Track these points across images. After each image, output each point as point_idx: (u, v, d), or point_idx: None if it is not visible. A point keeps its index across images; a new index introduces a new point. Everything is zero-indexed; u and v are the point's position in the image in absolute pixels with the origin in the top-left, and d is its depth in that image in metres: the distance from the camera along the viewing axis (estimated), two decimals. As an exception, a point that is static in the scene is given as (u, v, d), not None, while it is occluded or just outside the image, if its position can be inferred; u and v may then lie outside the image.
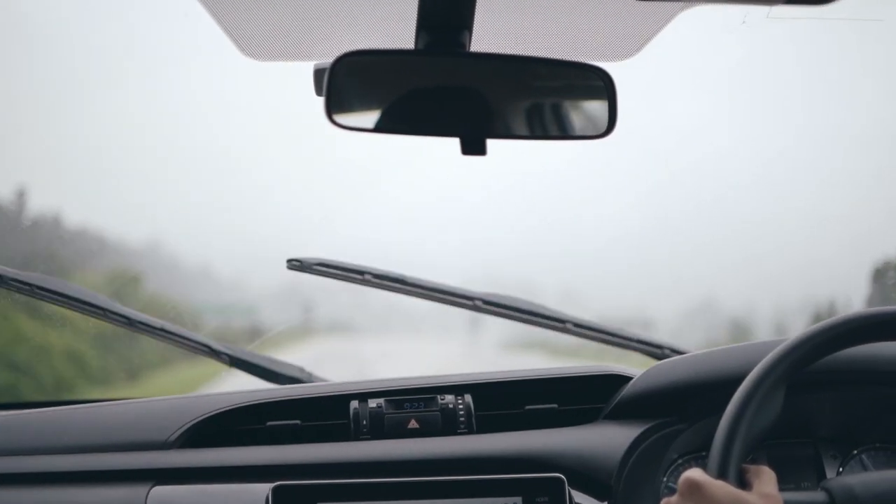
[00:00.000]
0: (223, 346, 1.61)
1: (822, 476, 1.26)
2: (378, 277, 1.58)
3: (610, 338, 1.58)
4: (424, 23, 1.07)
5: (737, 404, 1.09)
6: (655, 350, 1.60)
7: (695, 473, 1.03)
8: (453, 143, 1.19)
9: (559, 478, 1.21)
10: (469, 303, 1.58)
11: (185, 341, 1.57)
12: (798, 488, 1.24)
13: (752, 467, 1.08)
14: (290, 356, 1.75)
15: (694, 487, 1.02)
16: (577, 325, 1.58)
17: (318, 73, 1.13)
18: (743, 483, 1.06)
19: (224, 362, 1.62)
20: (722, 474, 1.05)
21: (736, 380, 1.11)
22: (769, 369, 1.11)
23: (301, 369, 1.66)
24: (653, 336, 1.64)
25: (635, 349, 1.61)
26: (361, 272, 1.57)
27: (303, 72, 1.23)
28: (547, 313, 1.59)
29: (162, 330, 1.56)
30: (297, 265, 1.62)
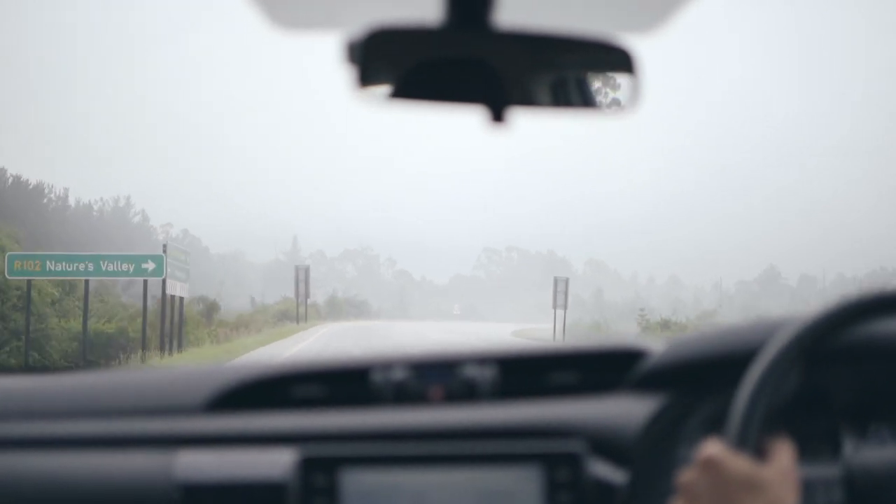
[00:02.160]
0: None
1: (840, 450, 1.32)
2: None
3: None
4: None
5: (757, 376, 1.13)
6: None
7: (712, 448, 1.09)
8: (477, 119, 1.26)
9: (579, 446, 1.27)
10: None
11: None
12: (815, 462, 1.29)
13: (770, 440, 1.13)
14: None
15: (711, 462, 1.08)
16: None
17: (349, 45, 1.21)
18: (760, 455, 1.11)
19: None
20: (740, 446, 1.10)
21: (757, 354, 1.16)
22: (790, 342, 1.15)
23: None
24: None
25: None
26: None
27: (324, 42, 1.33)
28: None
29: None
30: None
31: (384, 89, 1.25)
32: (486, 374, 1.41)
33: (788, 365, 1.13)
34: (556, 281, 36.33)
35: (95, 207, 68.21)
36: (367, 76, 1.22)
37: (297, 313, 41.19)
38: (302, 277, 43.42)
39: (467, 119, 1.23)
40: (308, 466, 1.28)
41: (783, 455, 1.10)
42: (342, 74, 1.21)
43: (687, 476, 1.09)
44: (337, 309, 59.55)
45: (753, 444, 1.10)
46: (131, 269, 21.16)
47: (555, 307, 35.52)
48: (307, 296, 42.41)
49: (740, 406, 1.12)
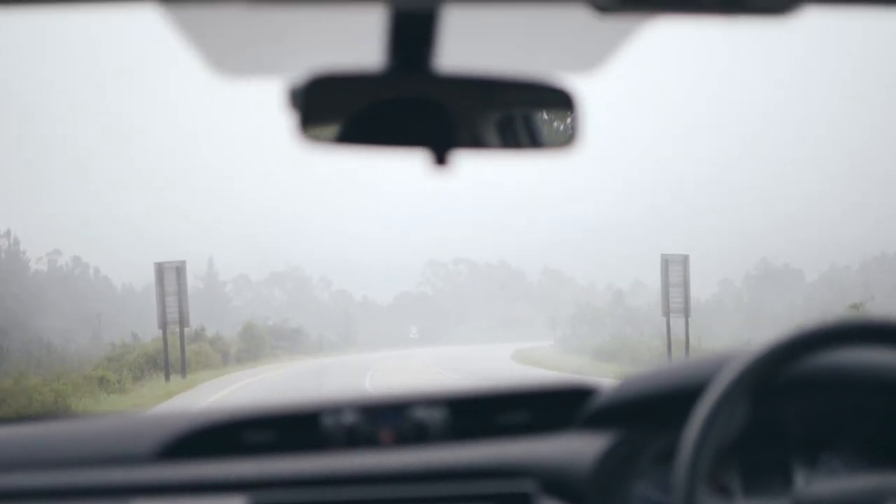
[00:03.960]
0: None
1: (792, 481, 1.36)
2: None
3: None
4: (392, 42, 1.20)
5: (705, 411, 1.17)
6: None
7: None
8: (420, 160, 1.30)
9: (530, 485, 1.31)
10: None
11: None
12: (767, 494, 1.33)
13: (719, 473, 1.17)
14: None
15: None
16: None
17: (292, 91, 1.25)
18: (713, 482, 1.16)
19: None
20: (691, 480, 1.14)
21: (705, 389, 1.21)
22: (737, 377, 1.18)
23: None
24: None
25: None
26: None
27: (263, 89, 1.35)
28: None
29: None
30: None
31: (327, 133, 1.27)
32: (436, 416, 1.43)
33: (736, 399, 1.17)
34: (665, 263, 16.27)
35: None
36: (310, 121, 1.24)
37: (165, 358, 20.58)
38: (171, 287, 21.88)
39: (410, 163, 1.26)
40: None
41: None
42: (284, 120, 1.24)
43: None
44: (257, 344, 38.00)
45: (704, 478, 1.13)
46: None
47: (667, 311, 15.68)
48: (184, 320, 21.67)
49: (689, 439, 1.15)
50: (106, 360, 26.05)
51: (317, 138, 1.25)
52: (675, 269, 20.23)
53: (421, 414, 1.43)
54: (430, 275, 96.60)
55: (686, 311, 19.95)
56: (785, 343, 1.19)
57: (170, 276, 22.21)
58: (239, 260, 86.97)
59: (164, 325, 21.97)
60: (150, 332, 32.60)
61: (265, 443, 1.42)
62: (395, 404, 1.44)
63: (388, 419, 1.43)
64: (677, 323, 20.22)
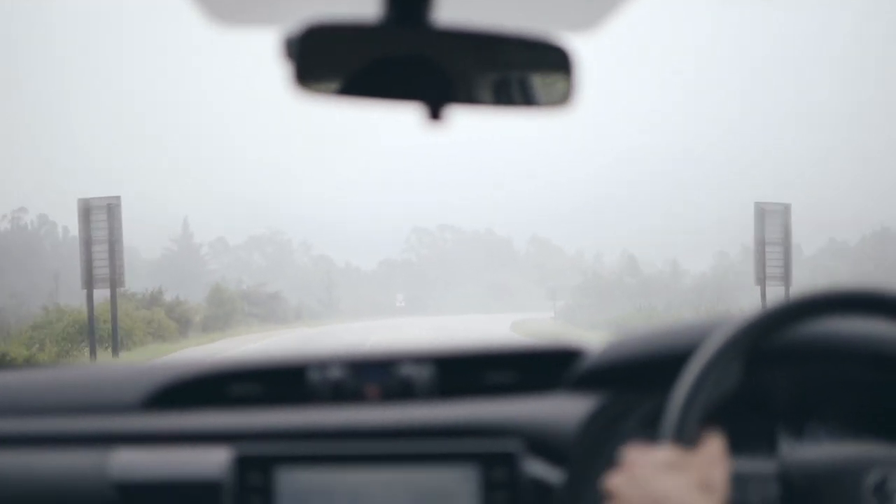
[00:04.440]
0: None
1: (776, 449, 1.37)
2: None
3: None
4: None
5: (695, 372, 1.18)
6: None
7: (634, 450, 1.14)
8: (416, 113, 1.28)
9: (516, 445, 1.31)
10: None
11: None
12: (751, 460, 1.32)
13: (702, 433, 1.17)
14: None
15: (633, 462, 1.12)
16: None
17: (287, 41, 1.25)
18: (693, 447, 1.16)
19: None
20: (675, 440, 1.15)
21: (695, 353, 1.22)
22: (729, 339, 1.19)
23: None
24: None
25: None
26: None
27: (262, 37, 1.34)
28: None
29: None
30: None
31: (322, 85, 1.27)
32: (423, 373, 1.43)
33: (727, 362, 1.17)
34: (760, 214, 10.29)
35: None
36: (305, 72, 1.24)
37: (91, 329, 14.52)
38: (101, 233, 16.60)
39: (404, 115, 1.26)
40: (243, 465, 1.29)
41: (712, 443, 1.15)
42: (279, 70, 1.23)
43: (613, 481, 1.14)
44: (227, 310, 32.25)
45: (689, 439, 1.14)
46: None
47: (762, 280, 9.47)
48: (116, 279, 15.59)
49: (677, 401, 1.16)
50: (31, 329, 20.54)
51: (312, 89, 1.25)
52: (773, 223, 15.03)
53: (408, 371, 1.43)
54: (414, 241, 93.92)
55: (787, 279, 14.76)
56: (778, 309, 1.19)
57: (98, 218, 16.16)
58: (217, 222, 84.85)
59: (89, 282, 16.20)
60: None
61: (250, 395, 1.42)
62: (382, 360, 1.44)
63: (374, 375, 1.43)
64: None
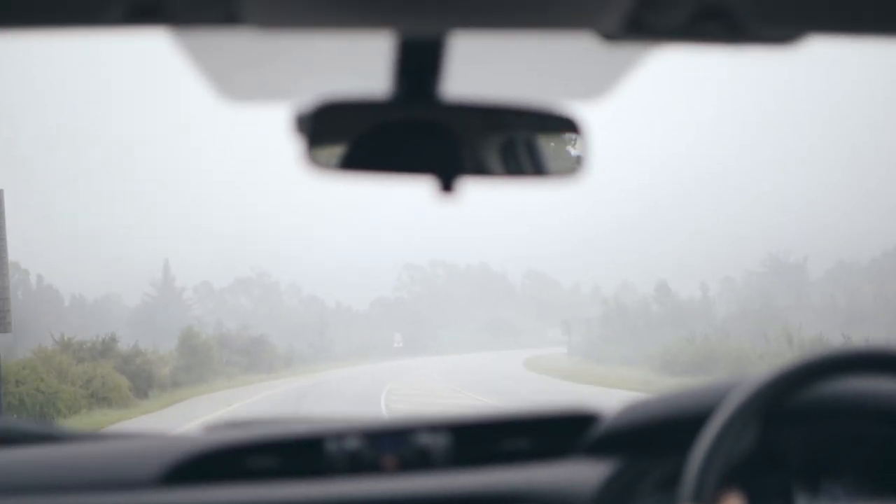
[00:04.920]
0: None
1: None
2: None
3: None
4: (398, 69, 1.22)
5: (713, 433, 1.19)
6: None
7: None
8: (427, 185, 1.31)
9: None
10: None
11: None
12: None
13: (723, 495, 1.18)
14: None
15: None
16: None
17: (299, 117, 1.26)
18: None
19: None
20: (696, 499, 1.15)
21: (709, 417, 1.23)
22: (746, 400, 1.20)
23: None
24: None
25: None
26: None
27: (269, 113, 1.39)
28: None
29: None
30: None
31: (333, 160, 1.28)
32: (439, 442, 1.43)
33: (744, 423, 1.19)
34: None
35: None
36: (316, 147, 1.25)
37: None
38: None
39: (416, 189, 1.27)
40: None
41: None
42: (291, 146, 1.25)
43: None
44: (201, 359, 26.21)
45: (708, 500, 1.15)
46: None
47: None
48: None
49: (695, 463, 1.17)
50: None
51: (323, 164, 1.26)
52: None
53: (424, 440, 1.42)
54: (406, 278, 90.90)
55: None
56: (793, 369, 1.20)
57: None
58: (200, 264, 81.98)
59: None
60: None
61: (268, 468, 1.42)
62: (399, 430, 1.44)
63: (391, 445, 1.42)
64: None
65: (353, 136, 1.26)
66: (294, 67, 1.27)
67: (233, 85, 1.28)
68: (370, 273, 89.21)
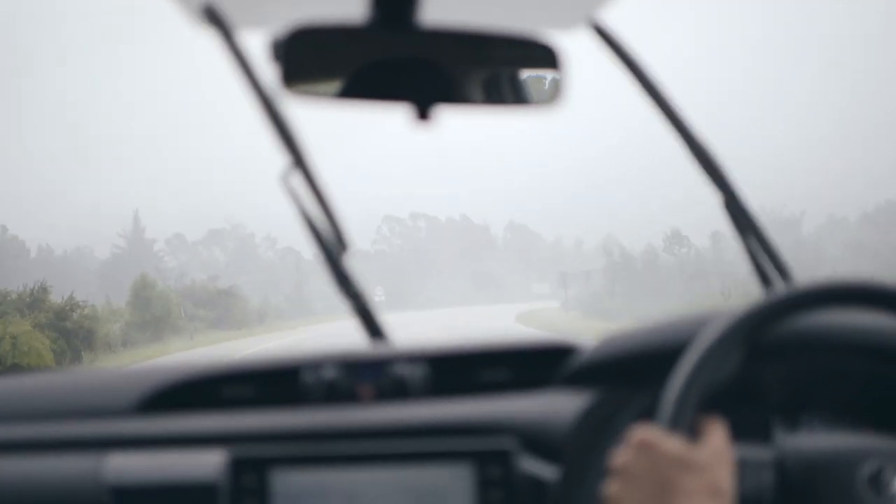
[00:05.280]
0: None
1: (770, 440, 1.35)
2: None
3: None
4: None
5: (693, 358, 1.16)
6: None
7: (646, 431, 1.13)
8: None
9: (510, 443, 1.31)
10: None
11: None
12: (746, 444, 1.31)
13: (704, 421, 1.16)
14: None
15: (645, 443, 1.11)
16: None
17: (275, 43, 1.25)
18: (694, 436, 1.14)
19: None
20: (673, 427, 1.13)
21: (688, 347, 1.23)
22: (728, 328, 1.18)
23: None
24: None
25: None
26: None
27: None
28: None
29: None
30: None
31: (309, 87, 1.27)
32: (416, 372, 1.41)
33: (725, 352, 1.17)
34: None
35: None
36: (292, 74, 1.24)
37: None
38: None
39: (392, 116, 1.27)
40: (238, 467, 1.28)
41: (717, 435, 1.14)
42: (269, 71, 1.26)
43: (621, 458, 1.13)
44: (159, 314, 21.75)
45: (687, 426, 1.14)
46: None
47: None
48: None
49: (674, 388, 1.15)
50: None
51: (299, 91, 1.25)
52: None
53: (401, 370, 1.41)
54: (386, 231, 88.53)
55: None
56: (777, 300, 1.19)
57: None
58: (172, 217, 79.46)
59: None
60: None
61: (244, 397, 1.41)
62: (376, 360, 1.42)
63: (368, 375, 1.40)
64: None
65: (329, 63, 1.25)
66: None
67: (211, 10, 1.26)
68: (349, 225, 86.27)
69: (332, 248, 1.59)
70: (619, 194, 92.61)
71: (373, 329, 1.64)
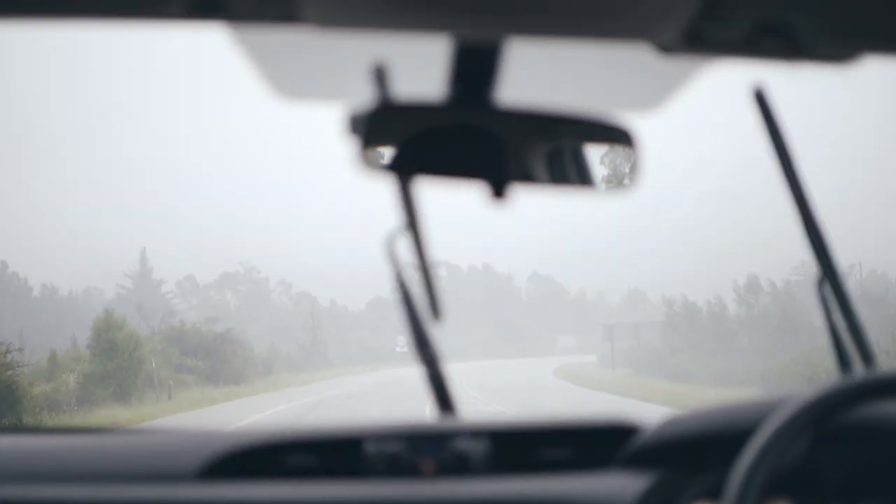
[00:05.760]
0: None
1: None
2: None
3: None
4: (453, 73, 1.24)
5: (761, 441, 1.18)
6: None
7: None
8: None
9: None
10: None
11: None
12: None
13: (770, 502, 1.19)
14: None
15: None
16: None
17: (354, 118, 1.27)
18: None
19: None
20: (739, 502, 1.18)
21: (753, 433, 1.22)
22: (806, 408, 1.19)
23: None
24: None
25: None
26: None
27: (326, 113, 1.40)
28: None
29: None
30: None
31: (385, 161, 1.27)
32: (478, 448, 1.41)
33: (793, 437, 1.18)
34: None
35: None
36: (369, 147, 1.25)
37: None
38: None
39: (468, 194, 1.27)
40: None
41: None
42: (343, 145, 1.26)
43: None
44: (123, 367, 15.54)
45: (753, 502, 1.17)
46: None
47: None
48: None
49: (743, 468, 1.16)
50: None
51: (374, 165, 1.26)
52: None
53: (463, 445, 1.41)
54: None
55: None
56: (845, 388, 1.20)
57: None
58: (183, 258, 76.02)
59: None
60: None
61: (306, 466, 1.41)
62: (439, 434, 1.43)
63: (430, 449, 1.40)
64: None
65: (405, 138, 1.25)
66: (349, 68, 1.27)
67: (287, 83, 1.26)
68: (366, 272, 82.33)
69: (419, 312, 1.53)
70: (644, 251, 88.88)
71: (443, 401, 1.57)
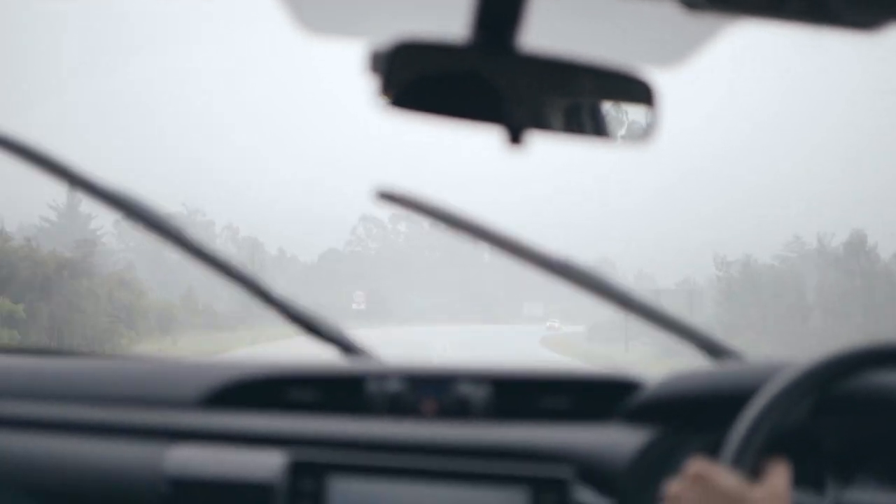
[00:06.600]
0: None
1: (824, 492, 1.44)
2: (465, 225, 1.67)
3: (670, 326, 1.69)
4: (478, 15, 1.31)
5: (767, 397, 1.24)
6: (711, 347, 1.70)
7: (703, 464, 1.19)
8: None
9: (567, 472, 1.39)
10: (549, 265, 1.69)
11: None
12: (802, 493, 1.42)
13: (767, 461, 1.22)
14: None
15: (700, 476, 1.16)
16: (643, 308, 1.67)
17: (374, 54, 1.35)
18: (755, 477, 1.21)
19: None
20: (737, 462, 1.20)
21: (754, 395, 1.31)
22: (810, 372, 1.25)
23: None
24: (712, 334, 1.74)
25: (692, 342, 1.71)
26: (450, 216, 1.69)
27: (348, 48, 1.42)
28: (617, 291, 1.68)
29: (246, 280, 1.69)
30: (387, 197, 1.74)
31: (405, 100, 1.34)
32: (479, 393, 1.50)
33: (794, 400, 1.24)
34: None
35: None
36: (390, 86, 1.32)
37: None
38: None
39: (480, 136, 1.34)
40: (297, 470, 1.37)
41: (779, 477, 1.20)
42: (364, 81, 1.32)
43: (675, 487, 1.20)
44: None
45: (749, 466, 1.21)
46: None
47: None
48: None
49: (743, 426, 1.23)
50: None
51: (394, 103, 1.34)
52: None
53: (465, 389, 1.48)
54: (361, 232, 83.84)
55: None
56: (855, 354, 1.25)
57: None
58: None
59: None
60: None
61: (308, 401, 1.48)
62: (441, 376, 1.50)
63: (432, 391, 1.48)
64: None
65: (427, 78, 1.31)
66: (374, 6, 1.32)
67: (310, 17, 1.31)
68: (320, 222, 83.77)
69: None
70: (618, 219, 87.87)
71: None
